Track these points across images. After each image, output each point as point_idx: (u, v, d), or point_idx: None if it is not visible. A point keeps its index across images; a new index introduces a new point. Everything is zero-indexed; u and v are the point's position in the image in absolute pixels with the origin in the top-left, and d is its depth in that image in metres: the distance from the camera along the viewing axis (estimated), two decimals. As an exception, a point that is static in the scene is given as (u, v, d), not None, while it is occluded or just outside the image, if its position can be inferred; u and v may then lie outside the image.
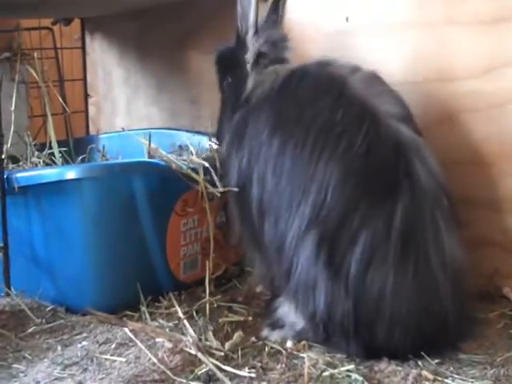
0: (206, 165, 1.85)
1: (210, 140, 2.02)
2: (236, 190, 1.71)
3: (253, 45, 1.79)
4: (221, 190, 1.81)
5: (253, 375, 1.42)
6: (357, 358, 1.49)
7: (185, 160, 1.89)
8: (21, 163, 2.14)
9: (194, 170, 1.84)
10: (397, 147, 1.51)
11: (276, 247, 1.58)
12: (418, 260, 1.46)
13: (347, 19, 2.08)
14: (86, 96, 3.07)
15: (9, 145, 2.11)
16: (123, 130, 2.19)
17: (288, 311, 1.60)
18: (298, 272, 1.51)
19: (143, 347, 1.54)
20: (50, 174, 1.78)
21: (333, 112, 1.54)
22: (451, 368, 1.45)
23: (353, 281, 1.45)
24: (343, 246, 1.46)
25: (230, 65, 1.83)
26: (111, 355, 1.53)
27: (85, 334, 1.66)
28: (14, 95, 2.25)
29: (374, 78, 1.67)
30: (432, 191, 1.51)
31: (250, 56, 1.79)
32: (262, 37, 1.79)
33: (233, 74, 1.82)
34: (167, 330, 1.65)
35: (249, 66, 1.80)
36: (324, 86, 1.62)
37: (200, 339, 1.56)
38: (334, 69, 1.66)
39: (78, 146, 2.38)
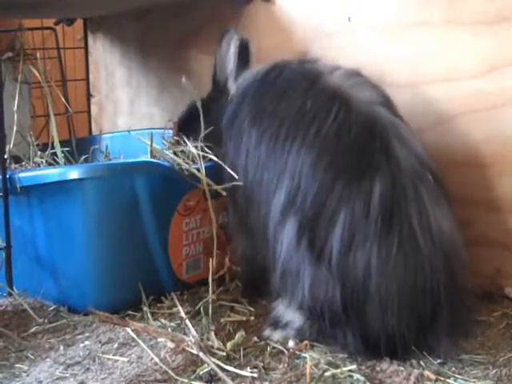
0: (208, 164, 1.85)
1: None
2: (240, 183, 1.72)
3: (233, 88, 1.91)
4: (224, 185, 1.80)
5: (255, 375, 1.42)
6: (356, 351, 1.49)
7: (187, 158, 1.90)
8: (23, 163, 2.14)
9: (197, 170, 1.84)
10: (371, 127, 1.52)
11: (261, 236, 1.62)
12: (402, 234, 1.44)
13: (349, 19, 2.08)
14: (89, 96, 3.07)
15: (11, 145, 2.11)
16: (129, 132, 2.18)
17: (284, 309, 1.60)
18: (281, 260, 1.52)
19: (145, 347, 1.54)
20: (52, 174, 1.78)
21: (303, 102, 1.58)
22: (453, 368, 1.45)
23: (335, 262, 1.44)
24: (323, 229, 1.46)
25: (193, 122, 1.96)
26: (113, 355, 1.53)
27: (87, 334, 1.66)
28: (17, 95, 2.25)
29: (353, 73, 1.69)
30: (413, 167, 1.50)
31: (232, 93, 1.91)
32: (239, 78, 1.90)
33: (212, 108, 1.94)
34: (169, 329, 1.65)
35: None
36: (297, 80, 1.66)
37: (202, 339, 1.56)
38: (313, 65, 1.72)
39: (80, 145, 2.39)
